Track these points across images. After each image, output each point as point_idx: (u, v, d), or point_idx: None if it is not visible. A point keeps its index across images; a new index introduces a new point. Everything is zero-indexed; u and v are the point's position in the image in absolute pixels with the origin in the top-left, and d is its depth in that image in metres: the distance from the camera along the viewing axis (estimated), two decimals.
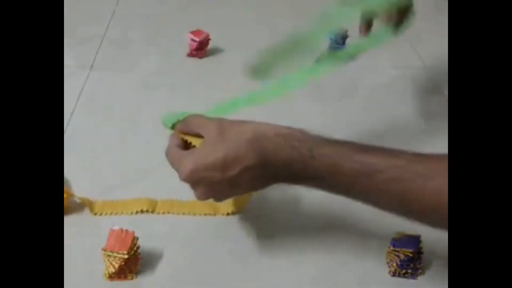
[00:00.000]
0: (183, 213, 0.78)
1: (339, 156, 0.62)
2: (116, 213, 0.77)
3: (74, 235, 0.73)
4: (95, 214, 0.77)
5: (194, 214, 0.78)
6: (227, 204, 0.78)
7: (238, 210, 0.78)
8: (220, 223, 0.77)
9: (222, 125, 0.65)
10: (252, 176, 0.64)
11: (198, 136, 0.67)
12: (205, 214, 0.78)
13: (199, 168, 0.63)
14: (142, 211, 0.78)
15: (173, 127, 0.72)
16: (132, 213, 0.77)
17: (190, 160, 0.64)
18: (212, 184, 0.64)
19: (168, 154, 0.68)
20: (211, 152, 0.63)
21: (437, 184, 0.58)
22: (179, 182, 0.82)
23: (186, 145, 0.69)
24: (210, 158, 0.63)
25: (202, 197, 0.66)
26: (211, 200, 0.67)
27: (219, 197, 0.67)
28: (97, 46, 1.14)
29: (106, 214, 0.77)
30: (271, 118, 0.72)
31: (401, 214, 0.64)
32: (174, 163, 0.67)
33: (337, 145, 0.63)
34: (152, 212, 0.78)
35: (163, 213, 0.78)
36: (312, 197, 0.81)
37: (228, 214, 0.78)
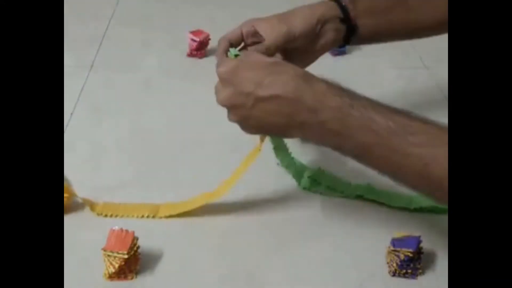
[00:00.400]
0: (185, 214, 0.77)
1: (378, 111, 0.62)
2: (117, 216, 0.77)
3: (74, 235, 0.73)
4: (97, 214, 0.77)
5: (197, 208, 0.77)
6: (223, 188, 0.77)
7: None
8: (220, 223, 0.77)
9: (278, 60, 0.67)
10: (278, 109, 0.63)
11: None
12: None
13: (238, 71, 0.65)
14: (143, 216, 0.77)
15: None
16: (133, 217, 0.77)
17: (235, 62, 0.66)
18: (239, 93, 0.64)
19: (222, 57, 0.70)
20: (257, 67, 0.65)
21: None
22: (179, 182, 0.82)
23: None
24: (253, 70, 0.64)
25: (224, 101, 0.66)
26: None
27: (237, 112, 0.66)
28: (97, 46, 1.14)
29: (106, 215, 0.77)
30: None
31: (418, 186, 0.63)
32: (222, 60, 0.68)
33: (377, 103, 0.63)
34: (154, 217, 0.77)
35: (166, 217, 0.77)
36: (312, 196, 0.81)
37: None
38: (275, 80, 0.63)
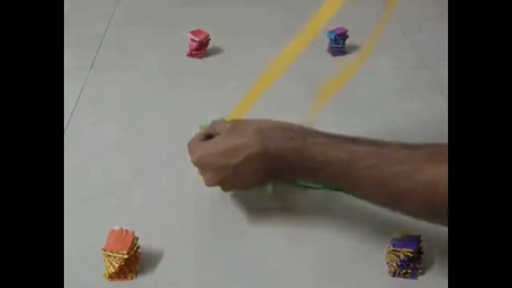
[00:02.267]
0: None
1: (329, 145, 0.67)
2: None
3: (74, 235, 0.73)
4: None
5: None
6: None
7: None
8: (220, 223, 0.77)
9: (234, 122, 0.73)
10: (254, 166, 0.69)
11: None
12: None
13: (207, 154, 0.71)
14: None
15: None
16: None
17: (201, 147, 0.72)
18: (218, 169, 0.70)
19: (189, 142, 0.75)
20: (221, 142, 0.71)
21: (409, 169, 0.62)
22: (179, 182, 0.83)
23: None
24: (218, 146, 0.70)
25: (210, 182, 0.72)
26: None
27: (225, 184, 0.72)
28: (97, 46, 1.14)
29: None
30: (272, 116, 0.73)
31: (386, 204, 0.68)
32: (190, 149, 0.73)
33: (328, 136, 0.69)
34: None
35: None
36: (312, 197, 0.81)
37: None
38: (240, 145, 0.69)
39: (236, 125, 0.72)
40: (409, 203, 0.64)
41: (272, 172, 0.71)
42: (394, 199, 0.65)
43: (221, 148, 0.70)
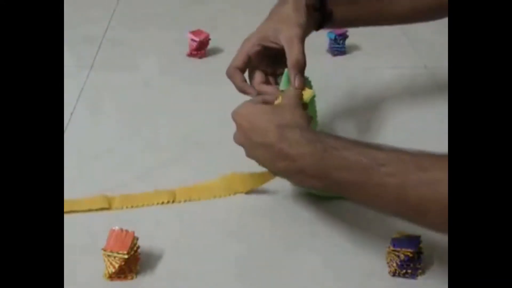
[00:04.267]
0: (203, 198, 0.80)
1: (347, 148, 0.65)
2: (137, 206, 0.78)
3: (74, 235, 0.73)
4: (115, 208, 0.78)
5: (214, 197, 0.80)
6: (244, 184, 0.81)
7: (254, 187, 0.81)
8: (220, 223, 0.77)
9: (281, 107, 0.72)
10: (267, 153, 0.69)
11: None
12: (223, 196, 0.81)
13: (239, 116, 0.71)
14: (163, 203, 0.79)
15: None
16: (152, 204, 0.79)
17: (245, 106, 0.72)
18: (242, 135, 0.71)
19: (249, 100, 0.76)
20: (254, 115, 0.71)
21: (435, 176, 0.59)
22: (179, 182, 0.82)
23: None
24: (248, 117, 0.71)
25: (235, 140, 0.73)
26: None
27: (246, 149, 0.72)
28: (97, 46, 1.14)
29: (126, 207, 0.78)
30: None
31: (404, 214, 0.64)
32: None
33: (345, 140, 0.67)
34: (173, 202, 0.79)
35: (184, 201, 0.80)
36: (312, 198, 0.81)
37: (247, 192, 0.81)
38: (258, 128, 0.69)
39: (271, 108, 0.72)
40: (432, 214, 0.60)
41: (280, 170, 0.69)
42: (415, 209, 0.61)
43: (246, 120, 0.70)
